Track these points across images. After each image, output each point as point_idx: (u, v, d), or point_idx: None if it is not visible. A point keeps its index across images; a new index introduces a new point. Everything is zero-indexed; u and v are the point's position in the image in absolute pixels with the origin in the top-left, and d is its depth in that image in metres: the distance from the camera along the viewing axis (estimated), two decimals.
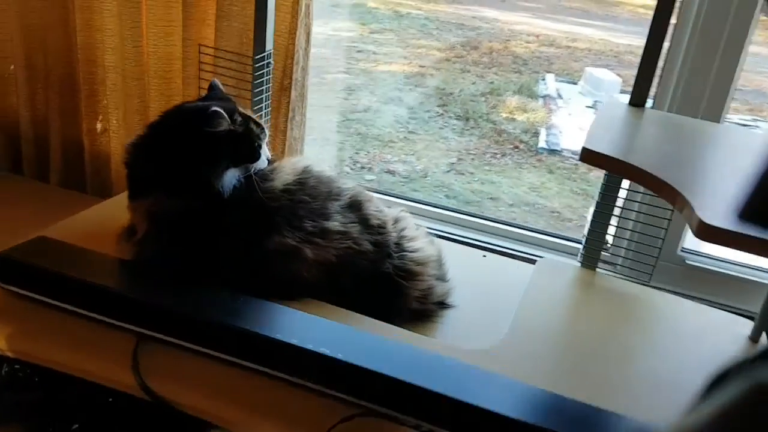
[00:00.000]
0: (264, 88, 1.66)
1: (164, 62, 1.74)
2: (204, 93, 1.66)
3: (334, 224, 1.34)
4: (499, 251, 1.80)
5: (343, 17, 4.60)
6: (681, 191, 1.10)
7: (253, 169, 1.37)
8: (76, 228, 1.40)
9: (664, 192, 1.15)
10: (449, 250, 1.65)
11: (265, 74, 1.65)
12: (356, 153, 3.26)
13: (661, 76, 1.58)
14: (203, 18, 1.73)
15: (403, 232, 1.49)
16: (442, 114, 3.69)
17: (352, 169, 3.08)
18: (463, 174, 3.08)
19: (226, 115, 1.31)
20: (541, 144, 3.32)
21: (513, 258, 1.74)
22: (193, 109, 1.37)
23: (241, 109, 1.39)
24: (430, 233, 1.64)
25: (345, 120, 3.54)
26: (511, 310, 1.40)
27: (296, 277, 1.30)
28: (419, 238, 1.51)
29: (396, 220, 1.52)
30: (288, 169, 1.40)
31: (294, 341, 1.12)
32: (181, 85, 1.77)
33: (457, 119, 3.67)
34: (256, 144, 1.39)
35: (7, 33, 1.83)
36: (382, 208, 1.49)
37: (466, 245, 1.76)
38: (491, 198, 2.91)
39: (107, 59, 1.78)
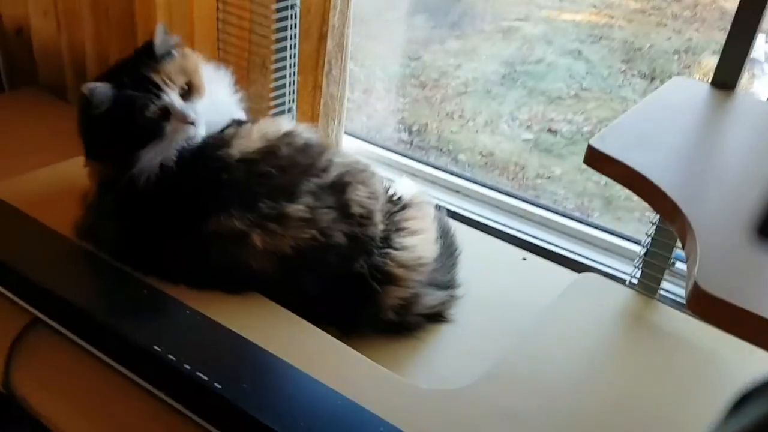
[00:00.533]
0: (289, 33, 1.43)
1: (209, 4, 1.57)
2: (221, 45, 1.49)
3: (298, 208, 1.10)
4: (552, 252, 1.44)
5: None
6: (696, 237, 0.73)
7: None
8: (40, 183, 1.29)
9: (678, 224, 0.77)
10: (483, 247, 1.34)
11: (289, 17, 1.41)
12: (517, 108, 3.02)
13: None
14: None
15: (405, 223, 1.22)
16: (624, 71, 3.32)
17: (509, 125, 2.89)
18: None
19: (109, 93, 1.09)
20: None
21: (562, 263, 1.38)
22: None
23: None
24: (454, 222, 1.34)
25: (512, 72, 3.28)
26: (518, 337, 1.09)
27: (240, 267, 1.09)
28: (422, 232, 1.22)
29: (403, 207, 1.25)
30: (256, 134, 1.16)
31: (161, 350, 0.91)
32: None
33: (641, 78, 3.29)
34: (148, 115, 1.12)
35: None
36: (378, 191, 1.21)
37: (506, 241, 1.42)
38: None
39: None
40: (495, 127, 2.91)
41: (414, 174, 1.72)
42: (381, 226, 1.17)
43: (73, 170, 1.29)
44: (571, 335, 1.13)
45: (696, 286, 0.66)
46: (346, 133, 1.76)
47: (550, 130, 2.80)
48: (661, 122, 0.96)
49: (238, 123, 1.20)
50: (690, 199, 0.79)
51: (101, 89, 1.09)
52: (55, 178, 1.33)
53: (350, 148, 1.77)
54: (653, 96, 1.04)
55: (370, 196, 1.18)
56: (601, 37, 3.40)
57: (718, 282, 0.66)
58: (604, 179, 2.56)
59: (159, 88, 1.10)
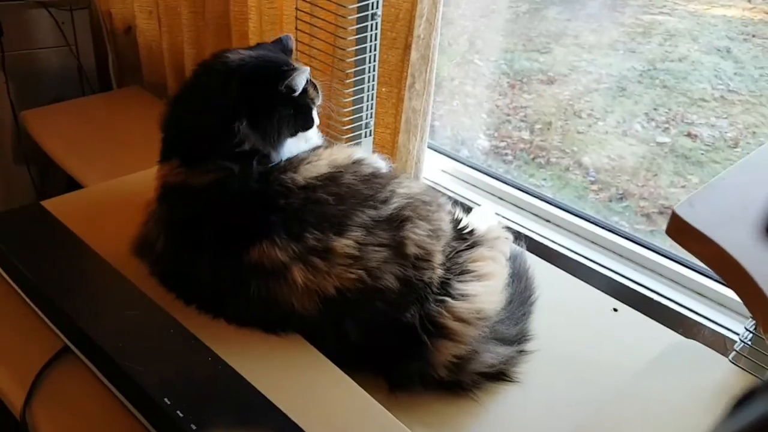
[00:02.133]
0: (369, 45, 1.31)
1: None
2: (301, 48, 1.39)
3: (346, 243, 0.98)
4: (649, 299, 1.24)
5: None
6: None
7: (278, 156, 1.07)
8: (93, 198, 1.26)
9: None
10: (566, 292, 1.17)
11: (369, 29, 1.29)
12: (654, 109, 2.80)
13: None
14: None
15: (471, 265, 1.07)
16: None
17: (644, 127, 2.70)
18: None
19: (308, 76, 1.07)
20: None
21: (660, 317, 1.17)
22: (262, 59, 1.10)
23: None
24: (535, 258, 1.17)
25: (651, 69, 3.02)
26: (593, 408, 0.92)
27: (280, 304, 0.99)
28: (490, 277, 1.07)
29: (473, 244, 1.10)
30: (325, 160, 1.07)
31: (170, 404, 0.83)
32: None
33: None
34: (312, 108, 1.12)
35: None
36: (442, 228, 1.07)
37: (596, 286, 1.23)
38: None
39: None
40: (627, 128, 2.67)
41: (499, 197, 1.55)
42: (440, 271, 1.03)
43: (144, 182, 1.25)
44: (656, 414, 0.94)
45: None
46: (433, 149, 1.63)
47: (689, 135, 2.51)
48: None
49: (313, 148, 1.11)
50: None
51: (303, 72, 1.06)
52: (122, 191, 1.30)
53: (434, 165, 1.63)
54: None
55: (430, 234, 1.04)
56: (754, 35, 3.03)
57: None
58: None
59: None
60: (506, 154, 2.56)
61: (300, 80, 1.05)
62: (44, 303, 1.00)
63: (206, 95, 1.08)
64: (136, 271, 1.08)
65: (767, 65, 2.81)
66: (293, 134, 1.09)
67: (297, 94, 1.07)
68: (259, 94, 1.05)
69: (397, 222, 1.02)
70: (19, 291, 1.05)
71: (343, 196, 1.02)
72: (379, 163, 1.11)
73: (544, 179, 2.40)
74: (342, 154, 1.09)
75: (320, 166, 1.05)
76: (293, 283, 0.97)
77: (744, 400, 0.39)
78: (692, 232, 0.69)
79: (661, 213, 2.25)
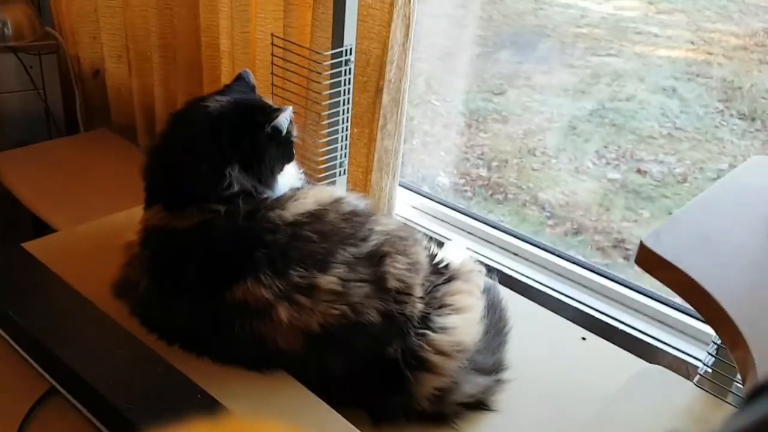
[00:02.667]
0: (342, 89, 1.36)
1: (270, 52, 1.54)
2: (277, 92, 1.44)
3: (329, 279, 1.01)
4: (615, 329, 1.30)
5: None
6: (758, 370, 0.59)
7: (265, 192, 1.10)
8: (72, 240, 1.27)
9: (741, 353, 0.64)
10: (537, 322, 1.22)
11: (343, 73, 1.35)
12: (605, 147, 2.90)
13: None
14: (306, 3, 1.48)
15: (449, 299, 1.11)
16: (722, 111, 3.12)
17: (595, 164, 2.79)
18: None
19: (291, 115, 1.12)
20: None
21: (626, 345, 1.23)
22: (243, 103, 1.14)
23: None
24: (506, 291, 1.22)
25: (600, 108, 3.15)
26: None
27: (264, 342, 1.01)
28: (467, 310, 1.11)
29: (449, 278, 1.15)
30: (311, 198, 1.10)
31: None
32: None
33: (740, 118, 3.08)
34: (293, 141, 1.17)
35: (145, 10, 1.78)
36: (420, 261, 1.11)
37: (564, 316, 1.28)
38: None
39: (222, 43, 1.63)
40: (579, 165, 2.77)
41: (469, 232, 1.61)
42: (420, 305, 1.07)
43: (121, 224, 1.27)
44: None
45: None
46: (404, 186, 1.68)
47: (638, 171, 2.62)
48: (732, 215, 0.82)
49: (296, 189, 1.15)
50: (757, 322, 0.65)
51: (286, 112, 1.09)
52: (102, 232, 1.31)
53: (404, 201, 1.68)
54: (727, 179, 0.89)
55: (409, 267, 1.08)
56: (698, 75, 3.19)
57: None
58: None
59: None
60: (466, 191, 2.63)
61: (284, 120, 1.09)
62: (30, 344, 1.01)
63: (192, 144, 1.09)
64: (120, 311, 1.09)
65: (711, 103, 2.96)
66: (282, 170, 1.12)
67: (283, 134, 1.11)
68: (248, 138, 1.08)
69: (377, 258, 1.06)
70: (3, 333, 1.05)
71: (327, 234, 1.05)
72: (357, 201, 1.15)
73: (503, 215, 2.47)
74: (324, 193, 1.13)
75: (307, 203, 1.09)
76: (278, 321, 0.99)
77: (757, 394, 0.39)
78: (660, 261, 0.75)
79: (614, 247, 2.34)
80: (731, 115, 2.89)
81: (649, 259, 0.75)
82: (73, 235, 1.31)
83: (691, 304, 0.72)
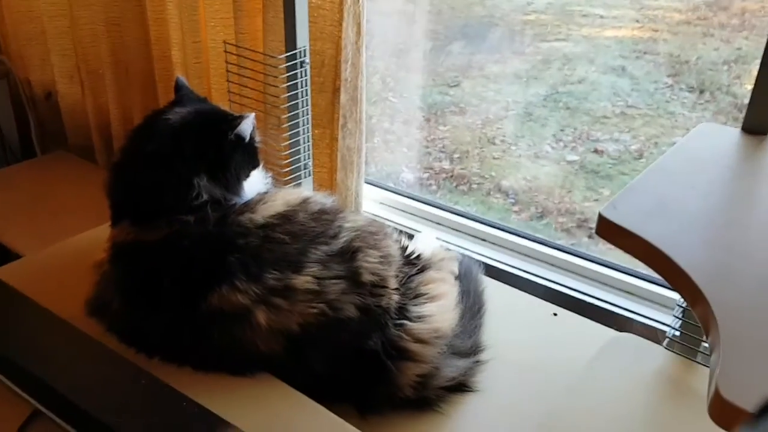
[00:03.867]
0: (300, 91, 1.38)
1: (224, 59, 1.55)
2: (234, 98, 1.45)
3: (305, 279, 1.03)
4: (585, 303, 1.34)
5: None
6: (720, 326, 0.63)
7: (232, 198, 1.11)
8: (50, 262, 1.27)
9: (701, 308, 0.68)
10: (510, 302, 1.26)
11: (299, 75, 1.37)
12: (561, 130, 2.96)
13: None
14: (256, 9, 1.49)
15: (423, 288, 1.14)
16: (671, 86, 3.20)
17: (553, 148, 2.84)
18: None
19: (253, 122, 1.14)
20: None
21: (596, 317, 1.27)
22: (204, 113, 1.16)
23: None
24: (478, 276, 1.26)
25: (554, 93, 3.21)
26: (549, 406, 1.00)
27: (245, 348, 1.03)
28: (442, 297, 1.15)
29: (422, 268, 1.18)
30: (280, 200, 1.12)
31: None
32: None
33: (689, 91, 3.17)
34: (257, 147, 1.20)
35: (94, 28, 1.78)
36: (392, 254, 1.14)
37: (535, 295, 1.33)
38: None
39: (174, 54, 1.64)
40: (539, 150, 2.82)
41: (438, 222, 1.64)
42: (395, 296, 1.10)
43: (88, 243, 1.27)
44: (606, 403, 1.03)
45: (718, 394, 0.57)
46: (370, 183, 1.71)
47: (596, 151, 2.68)
48: (684, 181, 0.86)
49: (263, 193, 1.16)
50: (714, 279, 0.69)
51: (248, 119, 1.11)
52: (70, 252, 1.31)
53: (371, 197, 1.71)
54: (677, 147, 0.94)
55: (382, 260, 1.11)
56: (645, 52, 3.28)
57: (747, 390, 0.57)
58: None
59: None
60: (430, 185, 2.67)
61: (247, 126, 1.11)
62: (10, 368, 1.01)
63: (156, 157, 1.10)
64: (97, 329, 1.10)
65: (660, 79, 3.04)
66: (248, 176, 1.14)
67: (247, 140, 1.13)
68: (213, 147, 1.10)
69: (349, 253, 1.08)
70: None
71: (297, 234, 1.07)
72: (325, 200, 1.17)
73: (469, 205, 2.51)
74: (292, 195, 1.15)
75: (276, 205, 1.10)
76: (257, 326, 1.01)
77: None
78: (618, 230, 0.79)
79: (579, 227, 2.39)
80: (681, 89, 2.97)
81: (608, 229, 0.79)
82: (41, 258, 1.31)
83: (652, 268, 0.76)
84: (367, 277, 1.08)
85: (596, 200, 2.52)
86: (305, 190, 1.18)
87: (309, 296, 1.02)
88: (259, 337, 1.02)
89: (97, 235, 1.20)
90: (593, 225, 2.49)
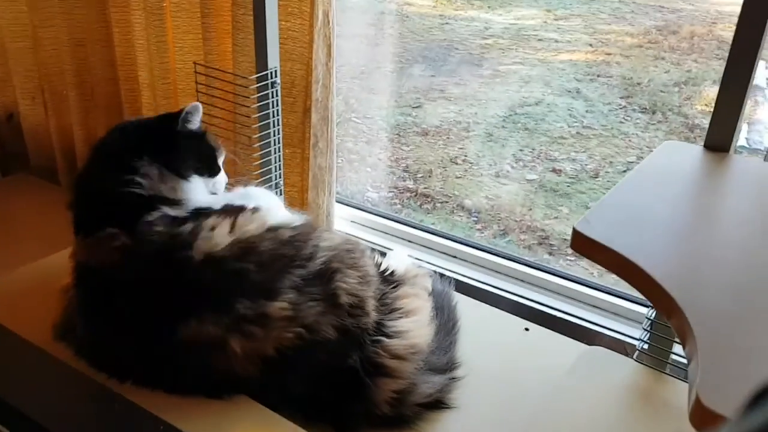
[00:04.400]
0: (271, 111, 1.38)
1: (193, 79, 1.53)
2: (204, 119, 1.44)
3: (281, 306, 1.01)
4: (555, 318, 1.36)
5: (527, 4, 4.27)
6: (696, 337, 0.65)
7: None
8: (17, 284, 1.24)
9: (677, 320, 0.69)
10: (482, 318, 1.26)
11: (270, 96, 1.36)
12: (520, 150, 3.00)
13: None
14: (225, 30, 1.49)
15: (399, 302, 1.14)
16: (624, 107, 3.30)
17: (513, 167, 2.85)
18: None
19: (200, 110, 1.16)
20: (741, 142, 2.82)
21: (566, 331, 1.29)
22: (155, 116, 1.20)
23: None
24: (450, 293, 1.26)
25: (512, 114, 3.27)
26: (525, 421, 1.00)
27: (221, 373, 1.01)
28: (417, 312, 1.15)
29: (397, 284, 1.17)
30: (236, 233, 1.05)
31: None
32: None
33: (641, 112, 3.27)
34: (216, 156, 1.19)
35: (58, 48, 1.75)
36: (370, 273, 1.13)
37: (506, 310, 1.34)
38: None
39: (141, 75, 1.62)
40: (499, 170, 2.87)
41: (408, 239, 1.65)
42: (374, 315, 1.09)
43: (53, 267, 1.24)
44: (581, 416, 1.04)
45: (699, 402, 0.58)
46: (341, 202, 1.70)
47: (554, 170, 2.74)
48: (652, 196, 0.89)
49: (204, 213, 1.09)
50: (688, 290, 0.71)
51: (194, 107, 1.13)
52: (36, 276, 1.28)
53: (342, 216, 1.71)
54: (644, 164, 0.96)
55: (360, 281, 1.10)
56: (599, 75, 3.37)
57: (726, 397, 0.58)
58: None
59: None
60: (395, 204, 2.68)
61: (193, 114, 1.12)
62: None
63: (105, 156, 1.13)
64: (68, 352, 1.07)
65: (614, 101, 3.13)
66: (199, 172, 1.13)
67: (195, 129, 1.13)
68: (159, 134, 1.11)
69: (327, 275, 1.06)
70: None
71: (266, 263, 1.03)
72: (295, 222, 1.13)
73: (433, 223, 2.52)
74: (253, 223, 1.07)
75: (226, 237, 1.04)
76: (232, 353, 0.99)
77: (760, 396, 0.39)
78: (593, 245, 0.81)
79: (540, 244, 2.43)
80: (633, 110, 3.07)
81: (582, 244, 0.80)
82: (6, 282, 1.27)
83: (626, 280, 0.78)
84: (345, 299, 1.06)
85: (555, 218, 2.56)
86: (271, 216, 1.12)
87: (285, 322, 1.00)
88: (235, 362, 1.00)
89: (62, 259, 1.17)
90: (554, 242, 2.52)
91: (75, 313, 1.09)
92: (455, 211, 2.64)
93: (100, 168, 1.12)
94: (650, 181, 0.93)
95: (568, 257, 2.35)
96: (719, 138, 0.96)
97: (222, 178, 1.19)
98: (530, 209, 2.62)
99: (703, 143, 1.00)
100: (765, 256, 0.77)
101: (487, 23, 3.72)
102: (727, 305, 0.69)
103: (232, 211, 1.08)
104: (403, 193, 2.75)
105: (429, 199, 2.71)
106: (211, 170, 1.16)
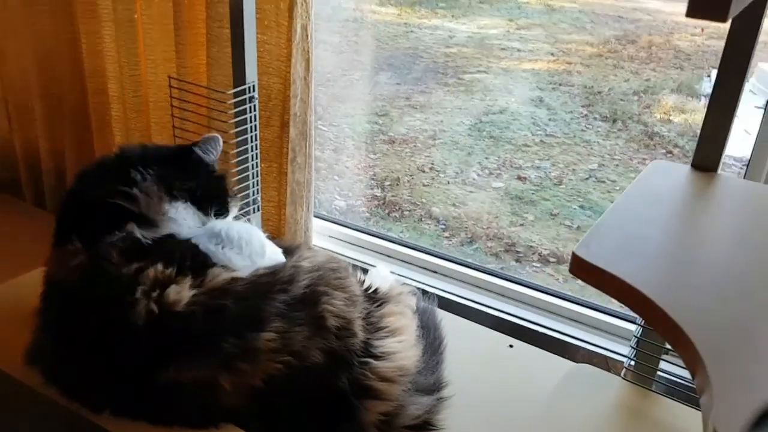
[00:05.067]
0: (249, 126, 1.33)
1: (165, 93, 1.47)
2: (178, 133, 1.38)
3: (268, 338, 0.94)
4: (539, 334, 1.34)
5: (489, 13, 4.28)
6: (707, 367, 0.63)
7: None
8: None
9: (684, 350, 0.67)
10: (466, 335, 1.24)
11: (248, 111, 1.31)
12: (486, 158, 3.00)
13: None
14: (199, 43, 1.43)
15: (384, 321, 1.10)
16: (586, 115, 3.33)
17: (479, 175, 2.83)
18: (603, 182, 2.72)
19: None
20: None
21: (550, 347, 1.27)
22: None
23: None
24: (435, 309, 1.23)
25: (477, 122, 3.27)
26: None
27: (209, 407, 0.95)
28: (403, 331, 1.11)
29: (381, 303, 1.14)
30: (212, 279, 0.98)
31: None
32: None
33: (602, 120, 3.31)
34: (228, 200, 1.13)
35: (24, 61, 1.67)
36: (356, 293, 1.08)
37: (490, 327, 1.31)
38: None
39: (111, 87, 1.55)
40: (465, 177, 2.86)
41: (389, 255, 1.61)
42: (361, 335, 1.05)
43: (23, 288, 1.17)
44: None
45: None
46: (319, 217, 1.66)
47: (519, 178, 2.74)
48: (645, 217, 0.87)
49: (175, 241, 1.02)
50: (695, 319, 0.69)
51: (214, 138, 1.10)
52: (7, 297, 1.20)
53: (321, 231, 1.66)
54: (634, 185, 0.95)
55: (347, 302, 1.05)
56: (560, 84, 3.40)
57: (741, 427, 0.56)
58: (576, 223, 2.51)
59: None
60: (363, 212, 2.64)
61: (211, 144, 1.07)
62: None
63: (108, 165, 1.08)
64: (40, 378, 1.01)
65: (575, 109, 3.16)
66: (203, 210, 1.07)
67: (212, 163, 1.08)
68: (173, 157, 1.07)
69: (313, 298, 1.01)
70: None
71: (244, 294, 0.97)
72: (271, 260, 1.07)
73: (401, 231, 2.50)
74: (220, 278, 0.98)
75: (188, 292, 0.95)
76: (221, 389, 0.93)
77: (761, 419, 0.38)
78: (592, 269, 0.78)
79: (506, 251, 2.42)
80: (595, 119, 3.10)
81: (582, 268, 0.78)
82: None
83: (626, 305, 0.76)
84: (332, 322, 1.01)
85: (521, 225, 2.56)
86: (241, 268, 1.01)
87: (273, 354, 0.94)
88: (223, 397, 0.93)
89: (33, 278, 1.11)
90: (520, 249, 2.50)
91: (43, 337, 1.02)
92: (423, 219, 2.62)
93: (98, 175, 1.06)
94: (641, 203, 0.91)
95: (534, 264, 2.36)
96: (707, 158, 0.95)
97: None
98: (497, 216, 2.62)
99: (690, 162, 1.00)
100: (750, 274, 0.76)
101: (451, 32, 3.72)
102: (733, 336, 0.68)
103: (199, 268, 0.98)
104: (371, 201, 2.72)
105: (397, 207, 2.69)
106: (220, 210, 1.10)
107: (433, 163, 2.93)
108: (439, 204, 2.74)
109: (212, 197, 1.10)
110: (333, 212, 2.54)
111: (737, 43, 0.87)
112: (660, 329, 0.71)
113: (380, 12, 3.99)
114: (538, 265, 2.41)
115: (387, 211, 2.70)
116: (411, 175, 2.88)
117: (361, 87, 3.42)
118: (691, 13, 0.57)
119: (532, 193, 2.65)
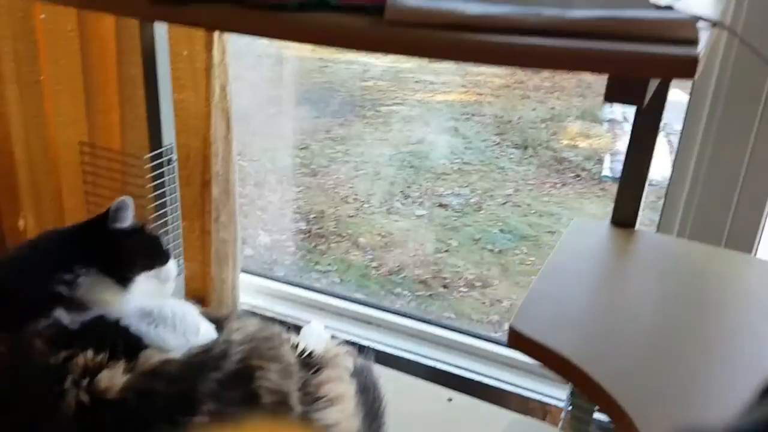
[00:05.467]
0: (168, 189, 1.26)
1: (76, 155, 1.39)
2: (91, 199, 1.31)
3: (201, 421, 0.88)
4: (478, 383, 1.33)
5: None
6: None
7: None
8: None
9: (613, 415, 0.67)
10: (402, 390, 1.21)
11: (166, 173, 1.25)
12: (408, 187, 3.02)
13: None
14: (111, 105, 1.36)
15: (322, 389, 1.06)
16: (499, 143, 3.42)
17: (402, 204, 2.82)
18: (519, 206, 2.78)
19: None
20: (605, 172, 2.96)
21: (489, 397, 1.26)
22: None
23: None
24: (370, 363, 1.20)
25: (397, 153, 3.30)
26: None
27: None
28: (341, 400, 1.07)
29: (318, 368, 1.09)
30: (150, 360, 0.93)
31: None
32: None
33: (515, 148, 3.41)
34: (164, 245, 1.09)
35: None
36: (290, 361, 1.04)
37: (427, 378, 1.29)
38: (550, 231, 2.58)
39: (16, 150, 1.45)
40: (389, 207, 2.87)
41: (320, 308, 1.57)
42: (299, 408, 1.01)
43: None
44: None
45: None
46: (247, 272, 1.60)
47: (440, 205, 2.77)
48: (574, 282, 0.87)
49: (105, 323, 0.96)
50: (635, 397, 0.69)
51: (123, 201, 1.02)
52: None
53: (248, 287, 1.60)
54: (559, 247, 0.94)
55: (282, 374, 1.00)
56: (473, 114, 3.48)
57: None
58: (498, 246, 2.55)
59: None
60: (288, 246, 2.60)
61: (123, 211, 1.02)
62: None
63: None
64: None
65: (489, 138, 3.23)
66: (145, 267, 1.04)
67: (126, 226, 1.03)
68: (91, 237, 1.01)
69: (247, 373, 0.95)
70: None
71: (177, 376, 0.92)
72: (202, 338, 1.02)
73: (329, 264, 2.47)
74: (152, 360, 0.93)
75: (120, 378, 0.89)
76: None
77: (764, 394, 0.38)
78: (530, 343, 0.77)
79: (434, 278, 2.43)
80: (507, 146, 3.18)
81: (520, 342, 0.77)
82: None
83: (565, 378, 0.75)
84: (267, 398, 0.96)
85: (446, 251, 2.58)
86: (164, 349, 0.96)
87: None
88: None
89: None
90: (446, 275, 2.51)
91: None
92: (350, 251, 2.60)
93: (18, 263, 1.00)
94: (569, 267, 0.91)
95: (461, 288, 2.38)
96: (625, 213, 0.97)
97: (172, 265, 1.08)
98: (422, 244, 2.63)
99: (610, 219, 1.01)
100: (670, 330, 0.78)
101: (366, 66, 3.73)
102: (677, 412, 0.68)
103: (131, 351, 0.93)
104: (296, 234, 2.68)
105: (323, 240, 2.66)
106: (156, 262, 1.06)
107: (356, 194, 2.92)
108: (366, 234, 2.72)
109: (141, 264, 1.04)
110: (257, 248, 2.48)
111: (647, 111, 0.88)
112: (603, 404, 0.71)
113: (293, 47, 3.96)
114: (465, 289, 2.43)
115: (313, 244, 2.67)
116: (335, 207, 2.85)
117: (279, 121, 3.38)
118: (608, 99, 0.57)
119: (454, 220, 2.68)
